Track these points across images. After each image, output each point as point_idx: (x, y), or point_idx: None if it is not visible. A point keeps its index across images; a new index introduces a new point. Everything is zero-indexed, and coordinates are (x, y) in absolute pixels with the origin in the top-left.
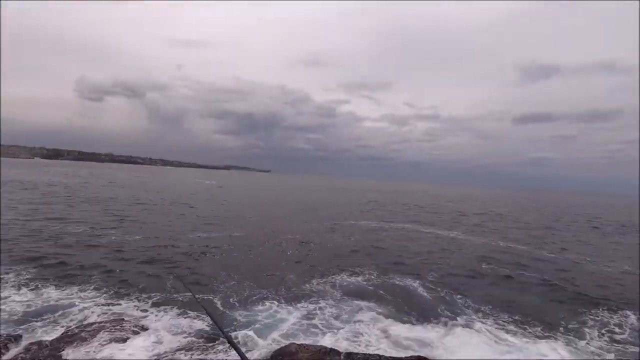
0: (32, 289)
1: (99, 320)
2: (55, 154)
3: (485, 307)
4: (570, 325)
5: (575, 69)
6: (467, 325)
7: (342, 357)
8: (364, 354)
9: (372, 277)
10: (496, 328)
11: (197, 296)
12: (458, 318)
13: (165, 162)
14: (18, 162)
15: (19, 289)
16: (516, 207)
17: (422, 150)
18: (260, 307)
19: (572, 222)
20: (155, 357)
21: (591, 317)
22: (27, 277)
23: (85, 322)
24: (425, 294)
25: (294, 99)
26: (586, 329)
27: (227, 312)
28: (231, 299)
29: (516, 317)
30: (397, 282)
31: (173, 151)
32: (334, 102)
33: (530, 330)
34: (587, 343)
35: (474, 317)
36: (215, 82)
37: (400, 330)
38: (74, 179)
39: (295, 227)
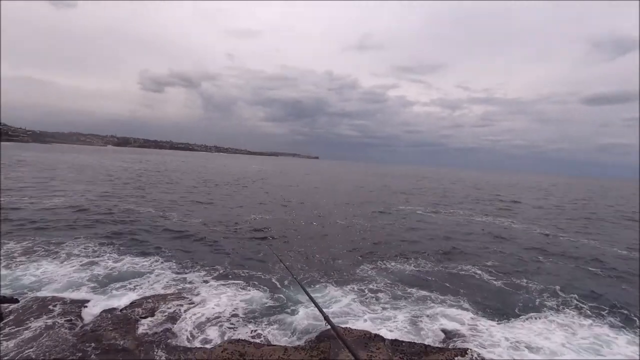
0: (114, 259)
1: (166, 291)
2: (124, 142)
3: (551, 301)
4: None
5: None
6: (533, 318)
7: (386, 343)
8: (409, 342)
9: (424, 263)
10: (566, 323)
11: (282, 259)
12: (522, 310)
13: (219, 149)
14: (94, 149)
15: (105, 257)
16: (580, 196)
17: (477, 136)
18: (311, 289)
19: None
20: (219, 321)
21: None
22: (111, 247)
23: (155, 292)
24: (484, 283)
25: (341, 85)
26: None
27: (283, 290)
28: (285, 280)
29: (589, 311)
30: (451, 270)
31: (225, 138)
32: (383, 87)
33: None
34: None
35: (540, 311)
36: (263, 70)
37: (451, 319)
38: (143, 164)
39: (344, 211)
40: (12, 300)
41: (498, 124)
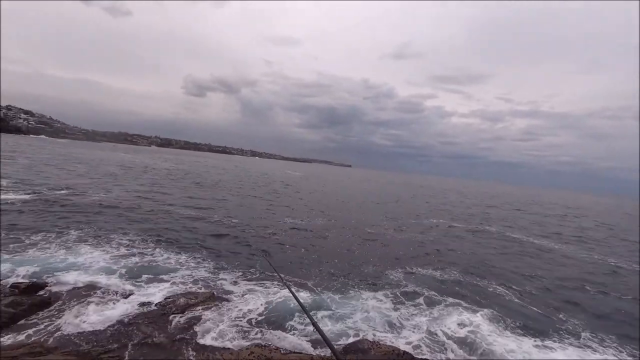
0: (153, 252)
1: (199, 289)
2: (166, 143)
3: (588, 333)
4: None
5: None
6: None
7: None
8: None
9: (455, 278)
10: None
11: (283, 276)
12: (555, 338)
13: (254, 153)
14: (139, 149)
15: (145, 250)
16: (632, 218)
17: (519, 150)
18: (340, 295)
19: None
20: (247, 323)
21: None
22: (151, 242)
23: (188, 289)
24: (519, 305)
25: (377, 93)
26: None
27: (315, 296)
28: (319, 287)
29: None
30: (483, 287)
31: (261, 143)
32: (420, 96)
33: None
34: None
35: (574, 339)
36: (300, 76)
37: (482, 338)
38: (187, 166)
39: (375, 220)
40: (42, 285)
41: (543, 139)
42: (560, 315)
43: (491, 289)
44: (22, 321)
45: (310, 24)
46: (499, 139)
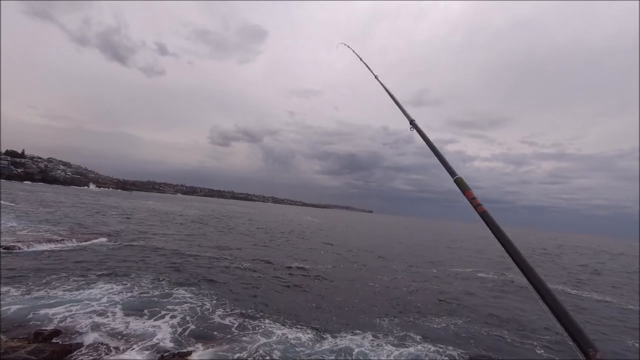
0: (164, 292)
1: (206, 331)
2: (191, 191)
3: None
4: None
5: None
6: None
7: None
8: None
9: (477, 331)
10: None
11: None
12: None
13: (275, 200)
14: (166, 197)
15: (157, 290)
16: None
17: (547, 194)
18: (337, 335)
19: None
20: None
21: None
22: (165, 282)
23: (196, 330)
24: None
25: (396, 139)
26: None
27: (318, 339)
28: (326, 332)
29: None
30: (506, 343)
31: (282, 189)
32: (440, 141)
33: None
34: None
35: None
36: (321, 125)
37: None
38: (205, 211)
39: (395, 267)
40: (64, 332)
41: (572, 181)
42: None
43: (518, 347)
44: None
45: (331, 76)
46: (525, 182)
